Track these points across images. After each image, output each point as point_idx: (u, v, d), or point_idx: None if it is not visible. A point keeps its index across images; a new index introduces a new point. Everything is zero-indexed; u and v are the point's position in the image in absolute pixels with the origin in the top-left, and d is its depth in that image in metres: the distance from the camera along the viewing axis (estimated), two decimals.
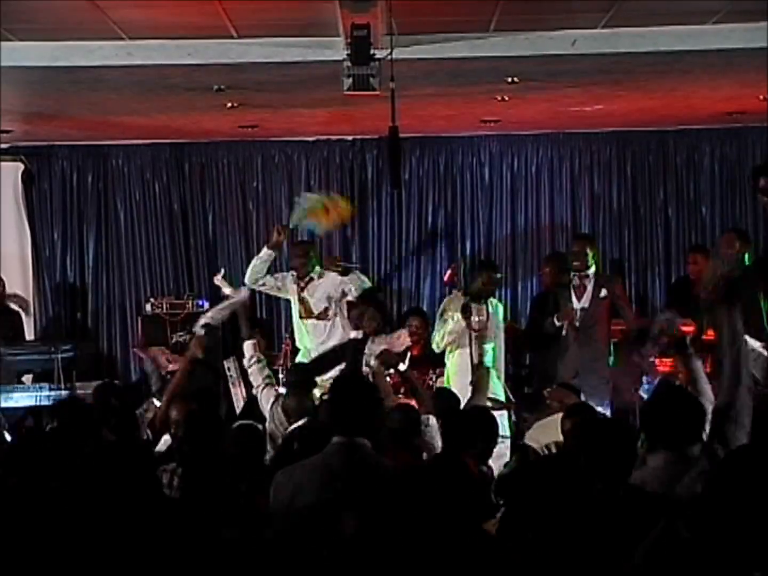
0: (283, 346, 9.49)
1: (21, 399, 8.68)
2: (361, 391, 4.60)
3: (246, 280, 8.78)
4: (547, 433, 5.75)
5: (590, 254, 8.68)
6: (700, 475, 4.12)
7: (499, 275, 9.04)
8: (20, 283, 10.55)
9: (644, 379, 7.94)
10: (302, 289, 8.65)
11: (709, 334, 8.10)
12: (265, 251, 8.62)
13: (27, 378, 9.42)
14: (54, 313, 10.76)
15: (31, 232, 10.71)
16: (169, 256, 10.77)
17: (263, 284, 8.73)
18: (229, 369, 8.80)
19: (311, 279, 8.66)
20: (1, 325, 9.57)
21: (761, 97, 8.78)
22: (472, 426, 5.32)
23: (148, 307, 10.15)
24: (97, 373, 10.00)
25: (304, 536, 3.60)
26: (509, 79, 7.92)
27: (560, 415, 5.83)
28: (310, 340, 8.63)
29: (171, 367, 9.28)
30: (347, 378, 4.98)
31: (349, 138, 10.73)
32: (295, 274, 8.75)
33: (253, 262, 8.66)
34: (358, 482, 4.16)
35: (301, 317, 8.70)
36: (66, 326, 10.72)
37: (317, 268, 8.77)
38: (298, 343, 8.86)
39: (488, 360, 8.63)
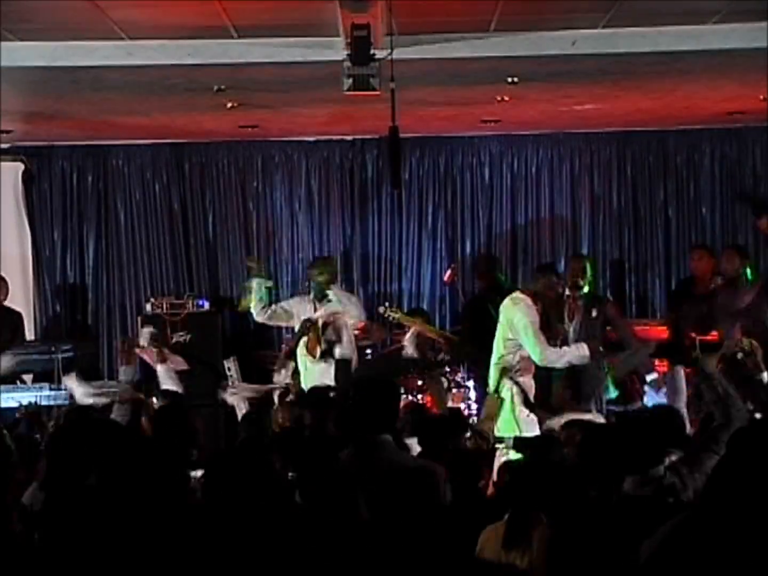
0: (283, 346, 9.46)
1: (21, 399, 8.67)
2: (384, 391, 4.86)
3: (256, 317, 8.79)
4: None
5: (589, 273, 8.63)
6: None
7: (557, 279, 8.27)
8: (20, 283, 10.54)
9: (646, 387, 7.94)
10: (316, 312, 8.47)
11: (713, 335, 8.15)
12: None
13: (27, 378, 9.42)
14: (54, 313, 10.76)
15: (31, 232, 10.71)
16: (169, 256, 10.76)
17: (269, 314, 8.68)
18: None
19: (329, 301, 8.53)
20: (1, 325, 9.56)
21: (761, 97, 8.77)
22: (443, 433, 5.37)
23: (148, 307, 10.15)
24: (97, 373, 10.00)
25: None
26: (509, 79, 7.91)
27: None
28: (319, 377, 8.20)
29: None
30: (370, 380, 5.24)
31: (349, 138, 10.73)
32: (309, 297, 8.57)
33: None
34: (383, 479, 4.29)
35: (307, 350, 8.43)
36: (66, 326, 10.73)
37: (332, 288, 8.58)
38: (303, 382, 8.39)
39: None
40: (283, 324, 9.14)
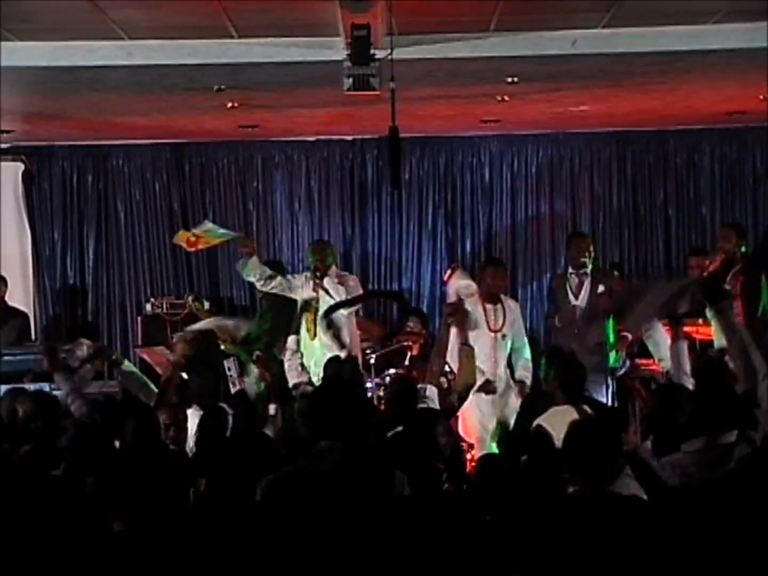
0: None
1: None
2: (346, 396, 4.59)
3: (256, 283, 8.68)
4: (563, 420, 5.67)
5: (591, 252, 8.69)
6: (741, 459, 4.32)
7: (502, 271, 8.53)
8: (20, 283, 10.54)
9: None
10: (316, 290, 8.44)
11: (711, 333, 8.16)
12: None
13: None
14: (54, 313, 10.76)
15: (31, 232, 10.72)
16: (169, 256, 10.76)
17: (273, 286, 8.54)
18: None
19: (327, 278, 8.48)
20: (7, 327, 9.56)
21: (761, 97, 8.78)
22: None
23: (148, 307, 10.16)
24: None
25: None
26: (509, 79, 7.91)
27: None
28: (321, 355, 8.13)
29: None
30: (331, 383, 4.95)
31: (349, 138, 10.73)
32: (309, 274, 8.53)
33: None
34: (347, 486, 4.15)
35: (307, 330, 8.43)
36: (66, 326, 10.72)
37: (333, 267, 8.60)
38: (305, 360, 8.50)
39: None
40: (283, 293, 8.85)
